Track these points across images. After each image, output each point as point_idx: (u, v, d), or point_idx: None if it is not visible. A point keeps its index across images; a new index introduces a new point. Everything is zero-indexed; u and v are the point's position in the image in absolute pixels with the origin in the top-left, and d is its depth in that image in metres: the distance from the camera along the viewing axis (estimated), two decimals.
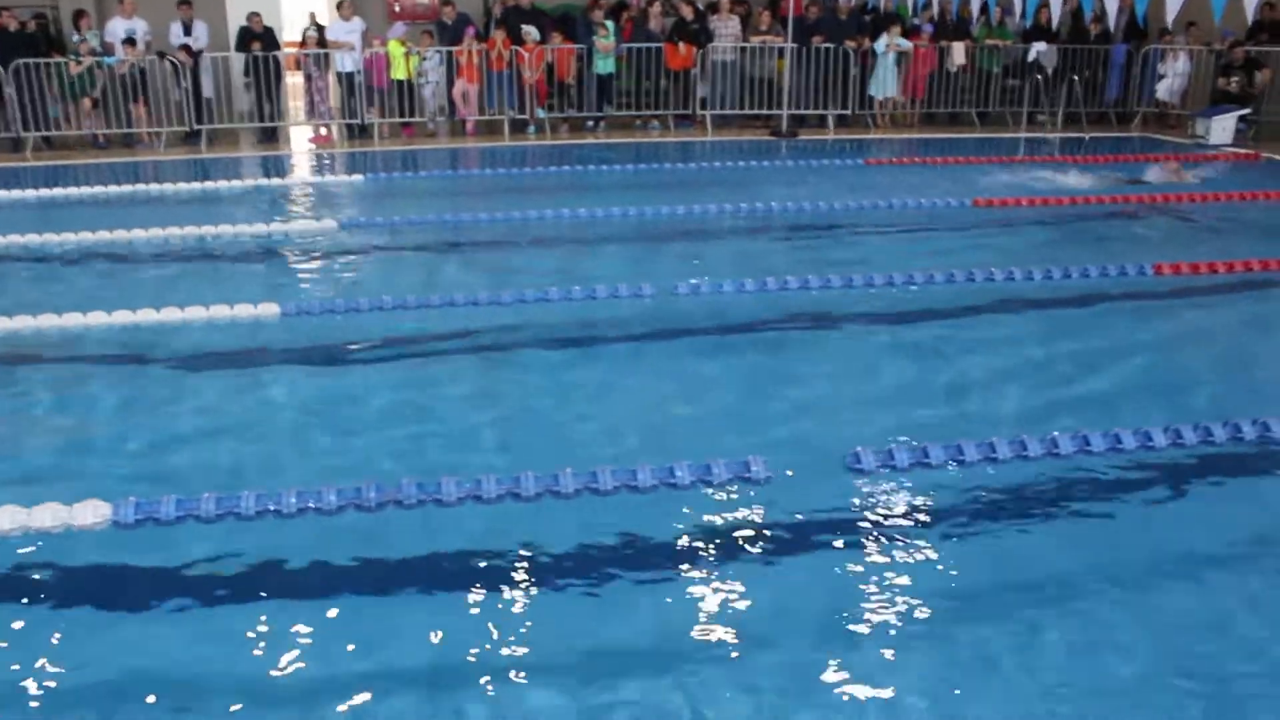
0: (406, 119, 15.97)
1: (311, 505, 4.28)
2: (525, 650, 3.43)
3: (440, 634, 3.52)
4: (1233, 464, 4.82)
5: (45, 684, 3.31)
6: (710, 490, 4.42)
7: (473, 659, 3.39)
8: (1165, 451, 4.80)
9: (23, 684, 3.31)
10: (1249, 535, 4.24)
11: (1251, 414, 5.05)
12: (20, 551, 4.11)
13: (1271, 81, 15.62)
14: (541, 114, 15.99)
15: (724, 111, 16.33)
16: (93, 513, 4.29)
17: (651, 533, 4.16)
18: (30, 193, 11.98)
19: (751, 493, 4.43)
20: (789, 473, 4.59)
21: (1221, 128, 14.99)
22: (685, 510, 4.30)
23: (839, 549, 4.09)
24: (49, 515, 4.29)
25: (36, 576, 4.00)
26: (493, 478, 4.38)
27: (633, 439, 5.04)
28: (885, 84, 16.42)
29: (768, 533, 4.19)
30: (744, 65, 16.25)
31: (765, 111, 16.35)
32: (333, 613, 3.68)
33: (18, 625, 3.64)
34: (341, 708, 3.17)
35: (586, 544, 4.09)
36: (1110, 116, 17.14)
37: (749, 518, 4.28)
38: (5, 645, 3.52)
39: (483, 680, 3.28)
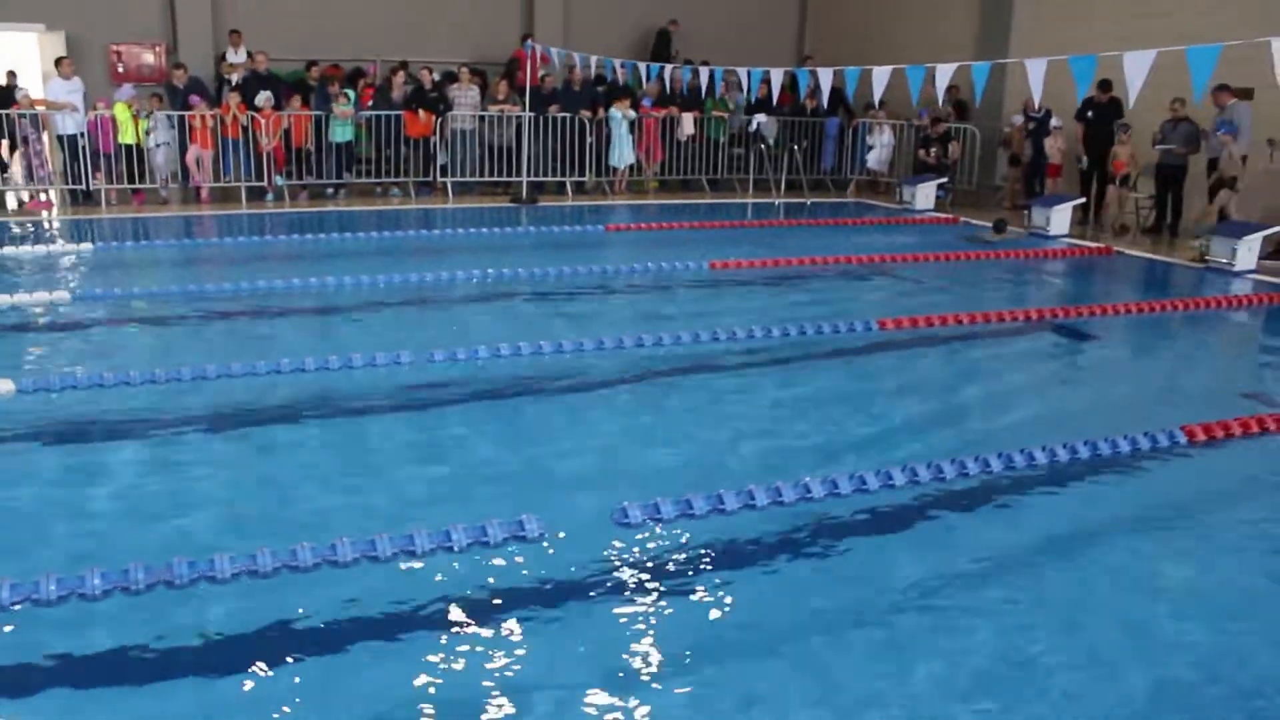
0: (136, 185, 15.34)
1: (72, 591, 4.14)
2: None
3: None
4: (958, 497, 5.38)
5: None
6: (486, 550, 4.56)
7: None
8: (902, 490, 5.32)
9: None
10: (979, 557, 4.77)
11: (974, 450, 5.68)
12: None
13: (962, 154, 17.34)
14: (280, 181, 15.73)
15: (465, 179, 16.56)
16: None
17: (432, 594, 4.27)
18: None
19: (526, 551, 4.60)
20: (560, 532, 4.79)
21: (924, 194, 16.46)
22: (462, 571, 4.43)
23: (610, 600, 4.31)
24: None
25: None
26: (232, 557, 4.35)
27: (405, 505, 5.12)
28: (622, 152, 17.11)
29: (544, 588, 4.37)
30: (483, 133, 16.55)
31: (505, 179, 16.69)
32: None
33: None
34: None
35: (361, 613, 4.15)
36: (826, 183, 18.49)
37: (525, 575, 4.45)
38: None
39: None
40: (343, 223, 13.80)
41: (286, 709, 3.53)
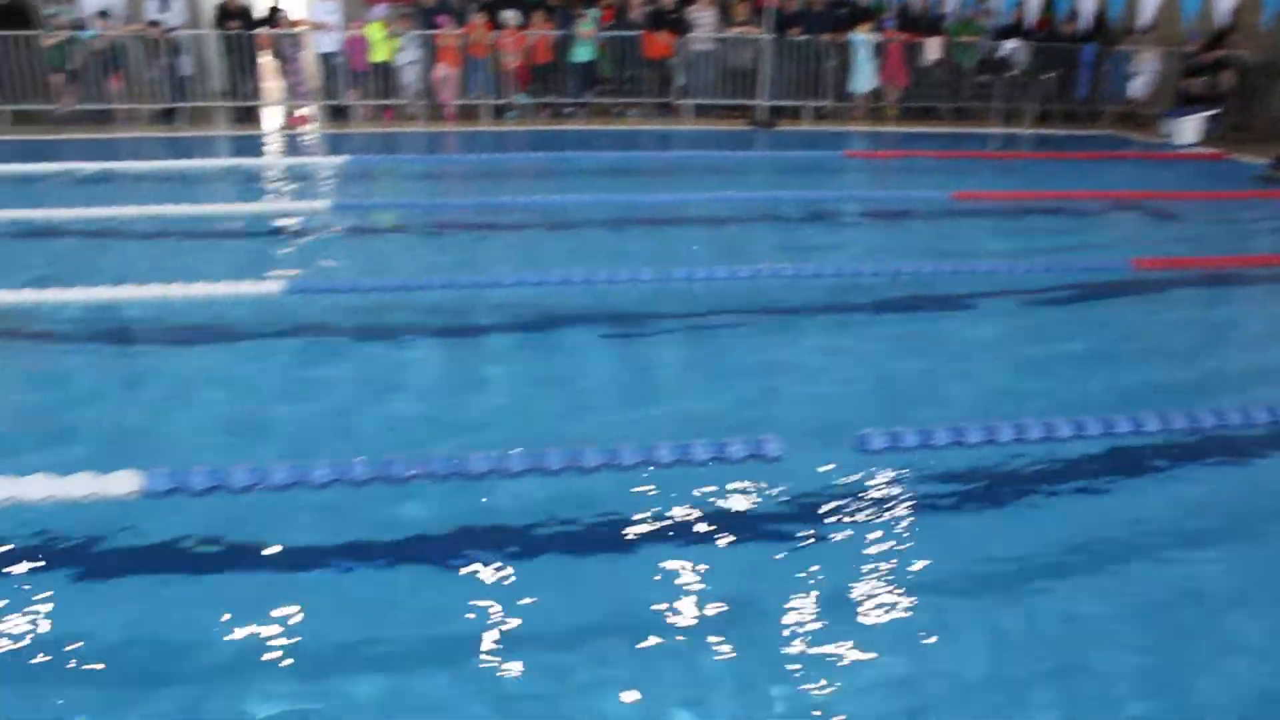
0: (386, 101, 15.99)
1: (339, 477, 4.38)
2: (541, 620, 3.60)
3: (456, 604, 3.68)
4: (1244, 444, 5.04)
5: (70, 648, 3.43)
6: (726, 467, 4.58)
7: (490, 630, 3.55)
8: (1156, 436, 5.02)
9: (48, 649, 3.43)
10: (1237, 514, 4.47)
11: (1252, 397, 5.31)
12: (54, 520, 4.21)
13: (1238, 83, 15.99)
14: (522, 99, 16.06)
15: (703, 101, 16.48)
16: (126, 483, 4.39)
17: (672, 507, 4.33)
18: (5, 167, 11.92)
19: (765, 470, 4.59)
20: (799, 455, 4.75)
21: (1188, 128, 15.33)
22: (701, 487, 4.47)
23: (845, 524, 4.27)
24: (83, 485, 4.38)
25: (65, 545, 4.10)
26: (518, 452, 4.52)
27: (647, 419, 5.20)
28: (863, 78, 16.64)
29: (780, 509, 4.37)
30: (722, 55, 16.41)
31: (744, 102, 16.52)
32: (342, 584, 3.84)
33: (46, 592, 3.75)
34: (354, 681, 3.32)
35: (610, 518, 4.25)
36: (1080, 115, 17.46)
37: (763, 494, 4.46)
38: (35, 612, 3.63)
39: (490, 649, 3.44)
40: (580, 142, 13.96)
41: (531, 600, 3.67)
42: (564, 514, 4.27)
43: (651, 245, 8.80)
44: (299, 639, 3.51)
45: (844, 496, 4.49)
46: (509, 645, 3.46)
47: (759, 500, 4.45)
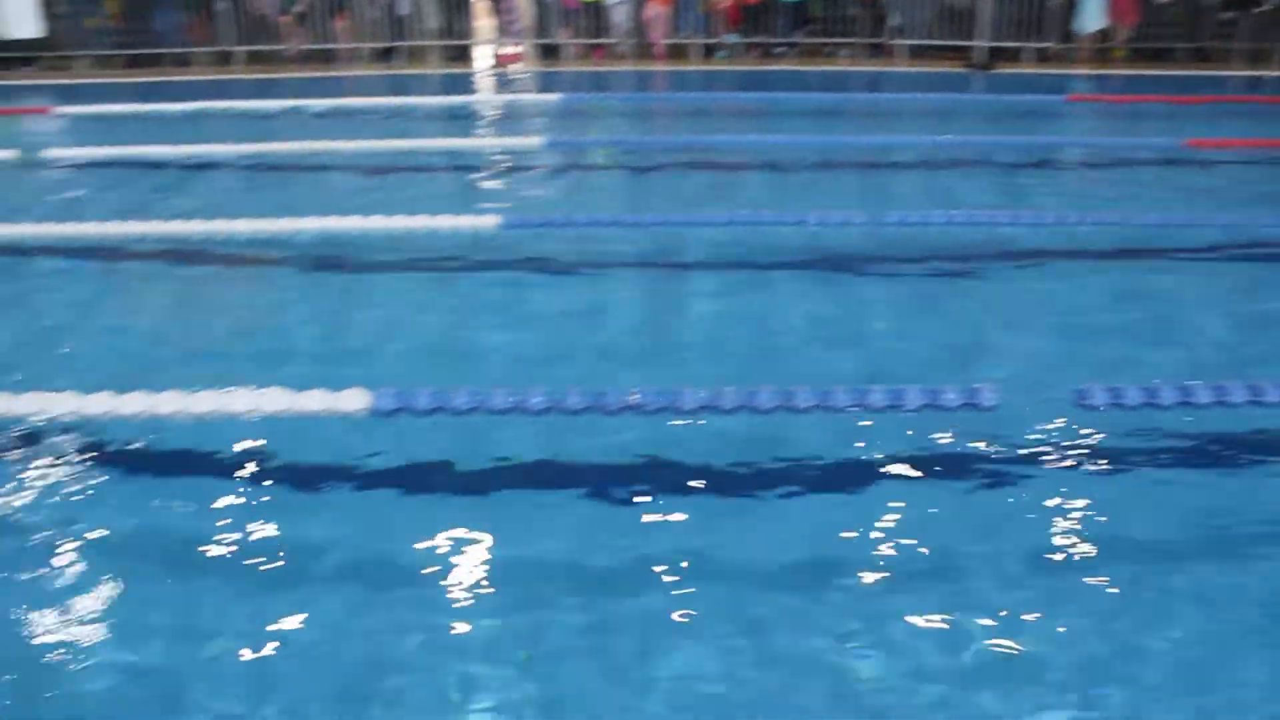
0: (596, 40, 16.14)
1: (554, 405, 4.53)
2: (741, 558, 3.65)
3: (659, 539, 3.75)
4: None
5: (299, 560, 3.66)
6: (939, 414, 4.50)
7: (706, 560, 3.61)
8: None
9: (276, 560, 3.67)
10: None
11: None
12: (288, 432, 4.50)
13: None
14: (731, 39, 15.94)
15: (918, 41, 15.99)
16: (355, 400, 4.65)
17: (883, 452, 4.30)
18: (238, 103, 12.66)
19: (979, 419, 4.50)
20: (1015, 406, 4.63)
21: None
22: (913, 433, 4.41)
23: (1061, 481, 4.14)
24: (315, 400, 4.66)
25: (298, 458, 4.36)
26: (731, 389, 4.56)
27: (857, 363, 5.16)
28: (1090, 16, 15.79)
29: (993, 460, 4.27)
30: None
31: (962, 43, 15.93)
32: (548, 508, 3.95)
33: (274, 501, 4.02)
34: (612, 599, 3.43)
35: (818, 460, 4.25)
36: None
37: (976, 443, 4.37)
38: (267, 523, 3.89)
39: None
40: (790, 82, 13.76)
41: (733, 537, 3.72)
42: (773, 453, 4.28)
43: (862, 188, 8.63)
44: (506, 559, 3.65)
45: (1060, 451, 4.35)
46: (701, 581, 3.51)
47: (971, 449, 4.36)
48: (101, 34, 16.44)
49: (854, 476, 4.18)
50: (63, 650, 3.20)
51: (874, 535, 3.76)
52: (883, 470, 4.20)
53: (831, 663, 3.14)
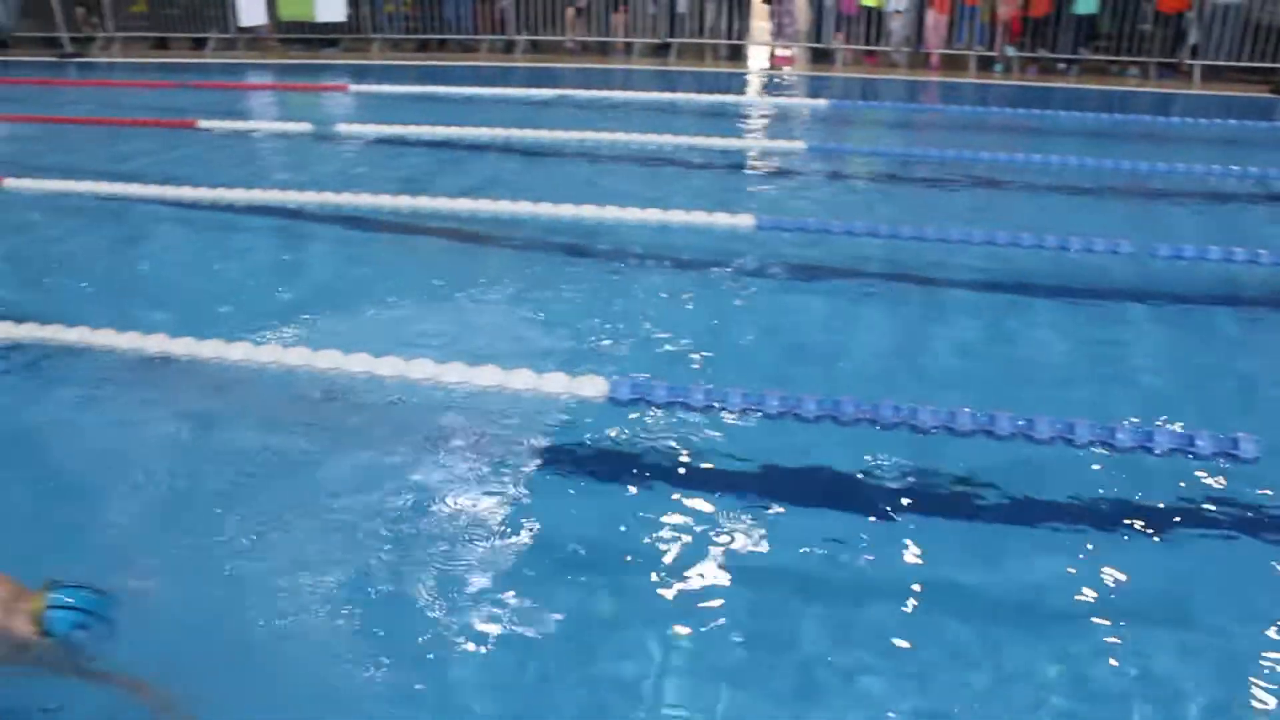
0: (871, 47, 15.95)
1: (789, 409, 4.58)
2: (963, 588, 3.54)
3: (885, 559, 3.70)
4: None
5: (535, 539, 3.82)
6: (1189, 460, 4.26)
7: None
8: None
9: (515, 537, 3.83)
10: None
11: None
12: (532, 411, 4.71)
13: None
14: (1010, 52, 15.41)
15: (1217, 62, 14.98)
16: (593, 387, 4.82)
17: (1125, 493, 4.10)
18: (516, 90, 13.23)
19: (1235, 471, 4.22)
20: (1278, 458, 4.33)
21: None
22: (1160, 477, 4.19)
23: None
24: (557, 384, 4.87)
25: (536, 437, 4.55)
26: (969, 412, 4.47)
27: (1105, 398, 4.93)
28: None
29: (1245, 515, 4.00)
30: (1248, 10, 14.76)
31: (1268, 64, 14.82)
32: (800, 515, 3.97)
33: (518, 479, 4.20)
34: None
35: (1057, 495, 4.11)
36: None
37: (1228, 496, 4.10)
38: (507, 494, 4.08)
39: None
40: (1069, 101, 13.18)
41: (957, 565, 3.65)
42: (1008, 482, 4.15)
43: (1134, 218, 8.19)
44: (734, 559, 3.70)
45: None
46: (923, 603, 3.46)
47: (1223, 502, 4.09)
48: (396, 19, 17.53)
49: (1089, 516, 4.01)
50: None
51: (1099, 575, 3.60)
52: (1122, 513, 4.01)
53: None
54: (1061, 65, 15.41)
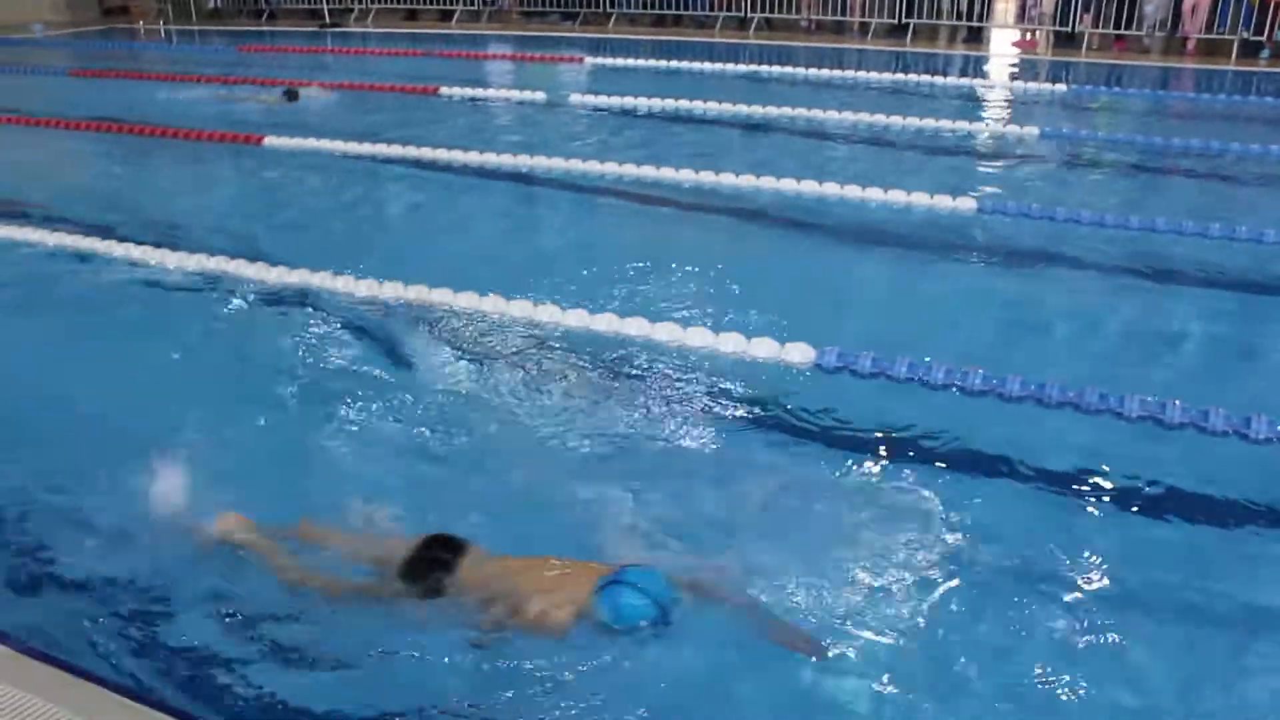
0: (1121, 30, 15.19)
1: (992, 389, 4.52)
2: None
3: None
4: None
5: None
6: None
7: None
8: None
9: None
10: None
11: None
12: (738, 373, 4.81)
13: None
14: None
15: None
16: (800, 354, 4.88)
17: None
18: (747, 66, 13.29)
19: None
20: None
21: None
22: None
23: None
24: (764, 349, 4.95)
25: (742, 396, 4.63)
26: (1177, 405, 4.30)
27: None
28: None
29: None
30: None
31: None
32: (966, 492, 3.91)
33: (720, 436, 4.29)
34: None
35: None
36: None
37: None
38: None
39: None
40: None
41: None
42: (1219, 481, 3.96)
43: None
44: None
45: None
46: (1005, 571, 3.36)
47: None
48: None
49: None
50: None
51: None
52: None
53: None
54: None
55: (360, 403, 4.49)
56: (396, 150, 8.83)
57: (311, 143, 9.11)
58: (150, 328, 5.58)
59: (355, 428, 4.32)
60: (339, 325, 5.38)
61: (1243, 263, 6.35)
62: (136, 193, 8.26)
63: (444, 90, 11.58)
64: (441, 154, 8.64)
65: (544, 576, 3.11)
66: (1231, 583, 3.42)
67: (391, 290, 5.70)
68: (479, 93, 11.70)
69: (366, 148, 8.94)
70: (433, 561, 3.16)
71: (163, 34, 18.49)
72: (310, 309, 5.59)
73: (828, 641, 3.04)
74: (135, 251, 6.38)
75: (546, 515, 3.71)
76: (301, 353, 5.07)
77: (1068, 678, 2.98)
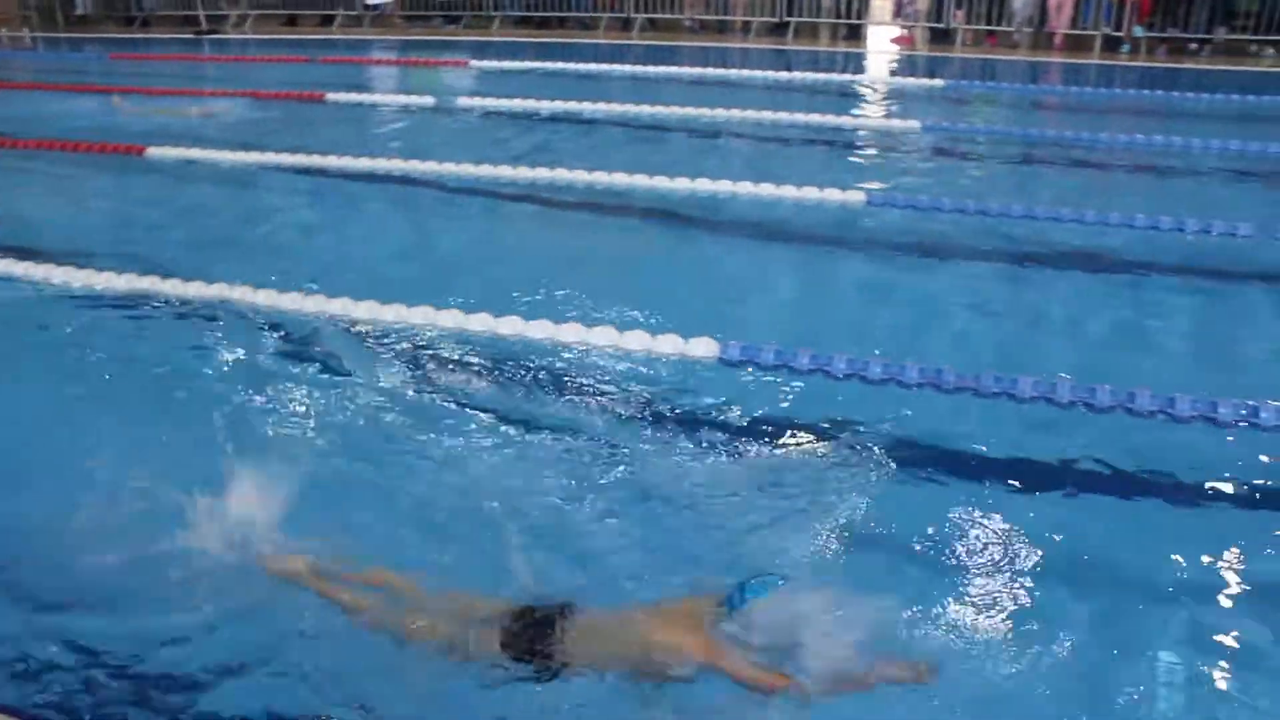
0: (992, 26, 15.71)
1: (892, 377, 4.67)
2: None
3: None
4: None
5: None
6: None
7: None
8: None
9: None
10: None
11: None
12: (645, 371, 4.88)
13: None
14: (1139, 32, 15.02)
15: None
16: (705, 348, 4.97)
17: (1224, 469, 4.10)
18: (630, 68, 13.41)
19: None
20: None
21: None
22: (1264, 456, 4.17)
23: None
24: (669, 345, 5.03)
25: (650, 392, 4.70)
26: (1067, 382, 4.50)
27: (1205, 375, 4.91)
28: None
29: None
30: None
31: None
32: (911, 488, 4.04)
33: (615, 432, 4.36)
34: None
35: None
36: None
37: None
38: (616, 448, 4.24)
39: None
40: (1200, 82, 12.78)
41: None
42: (1109, 456, 4.16)
43: (1259, 201, 8.00)
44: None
45: None
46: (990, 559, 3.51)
47: None
48: None
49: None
50: None
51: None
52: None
53: None
54: (1193, 45, 14.96)
55: (249, 414, 4.45)
56: (286, 158, 8.69)
57: (196, 152, 8.90)
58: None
59: (238, 438, 4.24)
60: (235, 336, 5.29)
61: (1116, 245, 6.64)
62: (6, 207, 7.96)
63: (330, 96, 11.42)
64: (332, 160, 8.53)
65: (649, 619, 2.93)
66: (1134, 554, 3.62)
67: (291, 301, 5.62)
68: (366, 98, 11.59)
69: (255, 156, 8.78)
70: (535, 632, 2.93)
71: (28, 41, 17.87)
72: (210, 320, 5.49)
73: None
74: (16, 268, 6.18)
75: (445, 522, 3.72)
76: (198, 366, 4.99)
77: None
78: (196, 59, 15.78)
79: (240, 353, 5.14)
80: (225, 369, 4.99)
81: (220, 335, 5.30)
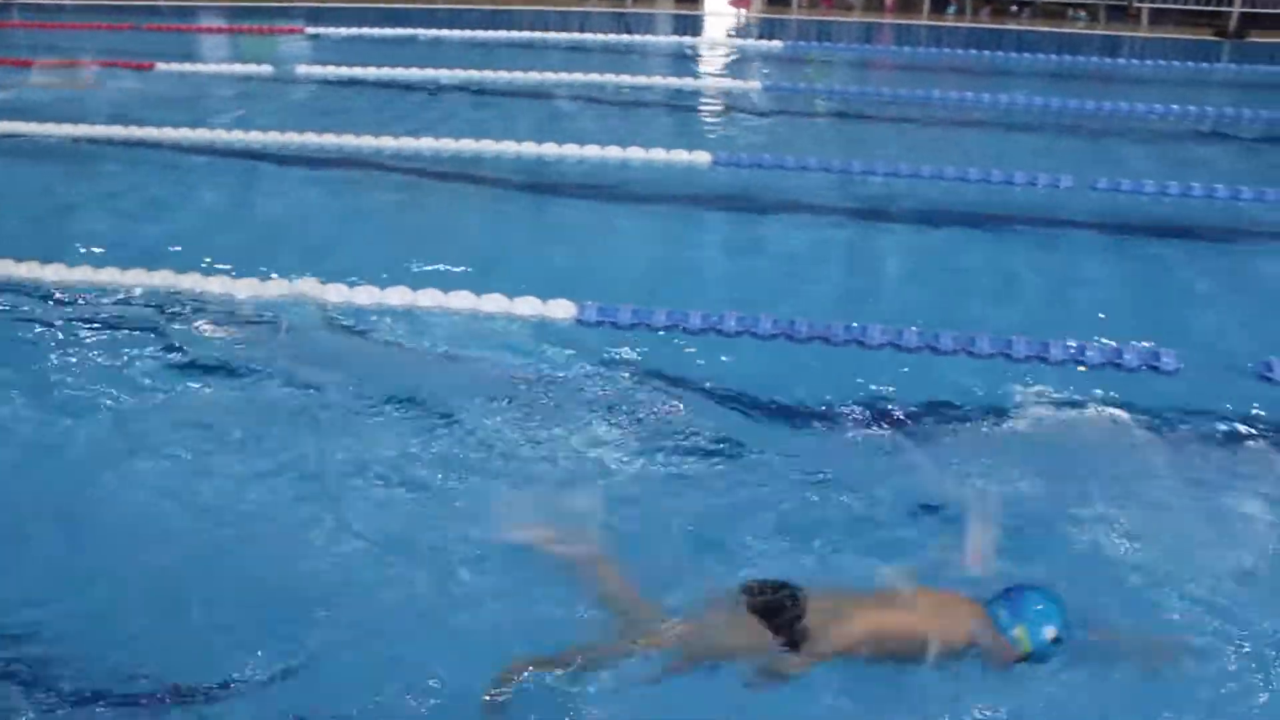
0: None
1: (746, 330, 4.84)
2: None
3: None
4: None
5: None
6: (1118, 374, 4.56)
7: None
8: None
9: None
10: None
11: None
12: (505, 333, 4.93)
13: None
14: None
15: (1164, 5, 15.23)
16: (563, 310, 5.05)
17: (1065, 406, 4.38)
18: (469, 33, 13.29)
19: (1158, 383, 4.53)
20: (1196, 371, 4.63)
21: None
22: (1093, 388, 4.47)
23: (1238, 448, 4.13)
24: (527, 307, 5.09)
25: (513, 355, 4.76)
26: (915, 330, 4.75)
27: (1046, 318, 5.21)
28: None
29: (1167, 423, 4.28)
30: None
31: (1213, 8, 15.07)
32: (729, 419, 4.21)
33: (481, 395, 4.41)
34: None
35: (991, 405, 4.38)
36: None
37: (1152, 405, 4.38)
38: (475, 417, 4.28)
39: None
40: (1021, 43, 13.37)
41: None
42: (943, 394, 4.41)
43: (1079, 154, 8.46)
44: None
45: (1235, 419, 4.31)
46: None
47: (1148, 411, 4.37)
48: None
49: (1021, 428, 4.27)
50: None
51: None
52: (1062, 422, 4.27)
53: None
54: (1014, 8, 15.61)
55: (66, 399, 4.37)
56: (116, 130, 8.34)
57: (9, 125, 8.45)
58: None
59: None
60: (72, 320, 5.12)
61: (951, 199, 6.97)
62: None
63: (160, 66, 10.99)
64: (168, 132, 8.25)
65: (906, 607, 2.94)
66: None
67: (133, 278, 5.46)
68: (199, 68, 11.21)
69: (82, 129, 8.40)
70: (779, 609, 2.87)
71: None
72: (37, 301, 5.30)
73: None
74: None
75: (330, 491, 3.74)
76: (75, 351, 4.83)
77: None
78: (5, 25, 14.95)
79: (73, 333, 4.98)
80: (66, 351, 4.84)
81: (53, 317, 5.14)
